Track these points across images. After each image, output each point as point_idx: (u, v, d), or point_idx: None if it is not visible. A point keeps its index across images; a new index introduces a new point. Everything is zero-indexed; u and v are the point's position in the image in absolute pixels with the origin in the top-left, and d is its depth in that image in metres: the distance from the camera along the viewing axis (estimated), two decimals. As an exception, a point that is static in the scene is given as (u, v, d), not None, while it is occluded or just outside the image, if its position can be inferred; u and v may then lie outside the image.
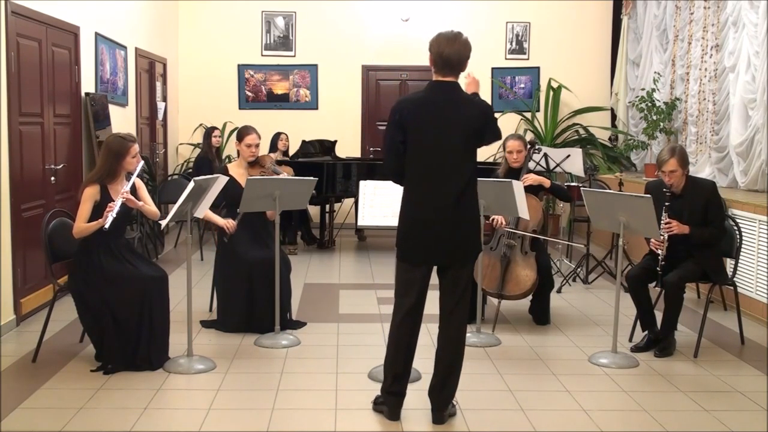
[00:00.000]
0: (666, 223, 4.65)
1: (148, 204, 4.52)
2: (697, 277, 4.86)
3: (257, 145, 5.28)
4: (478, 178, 4.55)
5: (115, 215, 4.20)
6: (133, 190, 4.44)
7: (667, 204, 4.69)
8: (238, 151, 5.35)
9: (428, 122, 3.51)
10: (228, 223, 5.10)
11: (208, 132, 8.53)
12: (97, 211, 4.29)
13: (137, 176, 4.48)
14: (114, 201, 4.26)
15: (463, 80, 3.69)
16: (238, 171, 5.26)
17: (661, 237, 4.64)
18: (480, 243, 3.72)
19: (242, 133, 5.28)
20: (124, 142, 4.40)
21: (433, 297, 3.70)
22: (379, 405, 3.77)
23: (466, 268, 3.64)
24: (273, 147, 8.57)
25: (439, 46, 3.49)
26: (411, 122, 3.52)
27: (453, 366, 3.64)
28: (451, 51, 3.46)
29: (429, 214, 3.53)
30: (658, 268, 4.68)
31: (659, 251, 4.68)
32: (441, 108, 3.52)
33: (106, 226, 4.18)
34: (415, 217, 3.57)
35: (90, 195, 4.31)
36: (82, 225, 4.29)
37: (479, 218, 3.71)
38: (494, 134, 3.65)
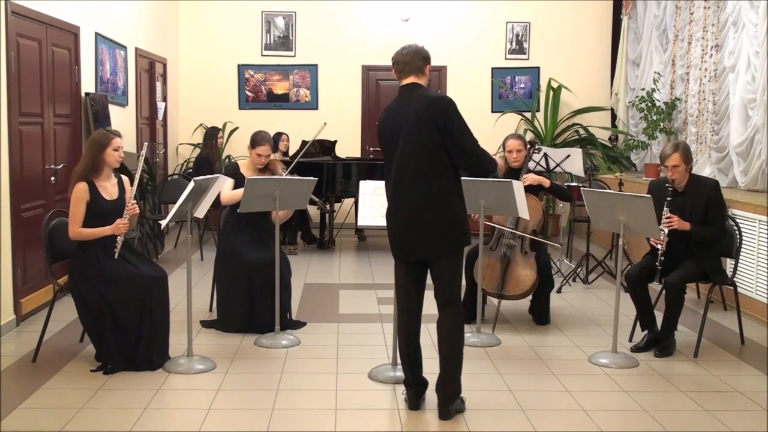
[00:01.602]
0: (667, 218, 4.65)
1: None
2: (698, 277, 4.86)
3: (268, 156, 5.31)
4: (478, 179, 4.59)
5: (123, 239, 4.30)
6: (122, 192, 4.46)
7: (669, 199, 4.69)
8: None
9: (389, 123, 3.75)
10: None
11: (212, 133, 8.42)
12: (90, 211, 4.30)
13: (125, 176, 4.53)
14: (122, 218, 4.30)
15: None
16: (248, 172, 5.26)
17: (662, 232, 4.63)
18: (457, 238, 3.64)
19: (256, 141, 5.26)
20: (107, 134, 4.42)
21: (431, 296, 3.75)
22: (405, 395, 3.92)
23: (441, 262, 3.67)
24: (274, 147, 8.54)
25: (394, 57, 3.79)
26: (381, 128, 3.80)
27: (451, 360, 3.70)
28: (399, 56, 3.77)
29: (397, 212, 3.70)
30: (657, 264, 4.68)
31: (659, 246, 4.67)
32: (399, 108, 3.72)
33: (116, 256, 4.27)
34: (388, 215, 3.77)
35: (80, 197, 4.30)
36: (82, 231, 4.29)
37: (454, 214, 3.62)
38: (461, 136, 3.58)
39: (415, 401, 3.81)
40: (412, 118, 3.62)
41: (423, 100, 3.65)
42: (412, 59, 3.72)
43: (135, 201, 4.39)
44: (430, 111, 3.59)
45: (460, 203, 3.68)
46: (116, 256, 4.26)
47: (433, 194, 3.60)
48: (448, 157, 3.61)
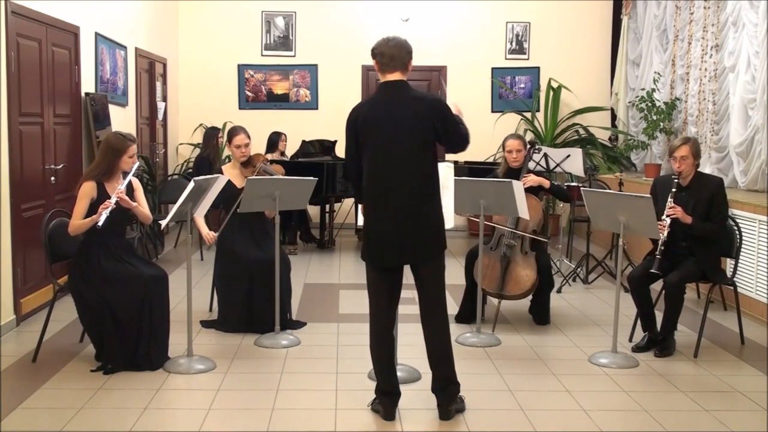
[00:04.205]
0: (670, 208, 4.66)
1: (142, 206, 4.51)
2: (698, 277, 4.86)
3: (247, 145, 5.27)
4: (478, 178, 4.60)
5: (108, 214, 4.21)
6: (130, 191, 4.45)
7: (674, 190, 4.71)
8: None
9: (378, 122, 3.56)
10: (209, 235, 5.09)
11: (212, 133, 8.36)
12: (93, 209, 4.30)
13: (134, 176, 4.49)
14: (110, 199, 4.27)
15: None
16: (232, 172, 5.26)
17: (663, 221, 4.64)
18: (443, 241, 3.67)
19: (231, 134, 5.30)
20: (125, 141, 4.42)
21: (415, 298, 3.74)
22: (375, 405, 3.78)
23: (429, 265, 3.63)
24: (272, 146, 8.54)
25: (378, 48, 3.61)
26: (362, 125, 3.59)
27: (444, 356, 3.66)
28: (386, 48, 3.57)
29: (384, 215, 3.56)
30: (656, 253, 4.69)
31: (660, 235, 4.67)
32: (389, 107, 3.56)
33: (100, 223, 4.19)
34: (371, 218, 3.62)
35: (86, 192, 4.32)
36: (77, 222, 4.31)
37: (440, 215, 3.64)
38: (454, 132, 3.56)
39: (391, 411, 3.70)
40: (411, 120, 3.51)
41: (422, 102, 3.55)
42: (399, 53, 3.56)
43: (123, 189, 4.35)
44: (429, 114, 3.52)
45: (440, 205, 3.67)
46: (100, 223, 4.18)
47: (425, 195, 3.55)
48: (435, 157, 3.59)
